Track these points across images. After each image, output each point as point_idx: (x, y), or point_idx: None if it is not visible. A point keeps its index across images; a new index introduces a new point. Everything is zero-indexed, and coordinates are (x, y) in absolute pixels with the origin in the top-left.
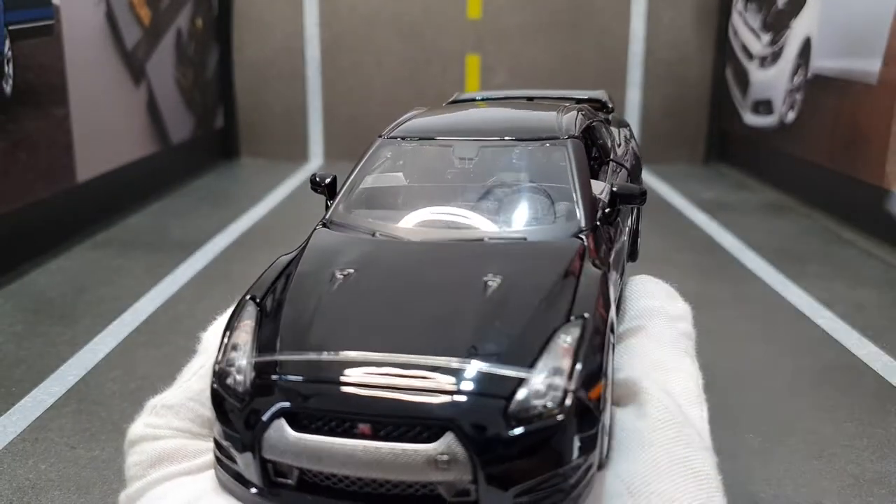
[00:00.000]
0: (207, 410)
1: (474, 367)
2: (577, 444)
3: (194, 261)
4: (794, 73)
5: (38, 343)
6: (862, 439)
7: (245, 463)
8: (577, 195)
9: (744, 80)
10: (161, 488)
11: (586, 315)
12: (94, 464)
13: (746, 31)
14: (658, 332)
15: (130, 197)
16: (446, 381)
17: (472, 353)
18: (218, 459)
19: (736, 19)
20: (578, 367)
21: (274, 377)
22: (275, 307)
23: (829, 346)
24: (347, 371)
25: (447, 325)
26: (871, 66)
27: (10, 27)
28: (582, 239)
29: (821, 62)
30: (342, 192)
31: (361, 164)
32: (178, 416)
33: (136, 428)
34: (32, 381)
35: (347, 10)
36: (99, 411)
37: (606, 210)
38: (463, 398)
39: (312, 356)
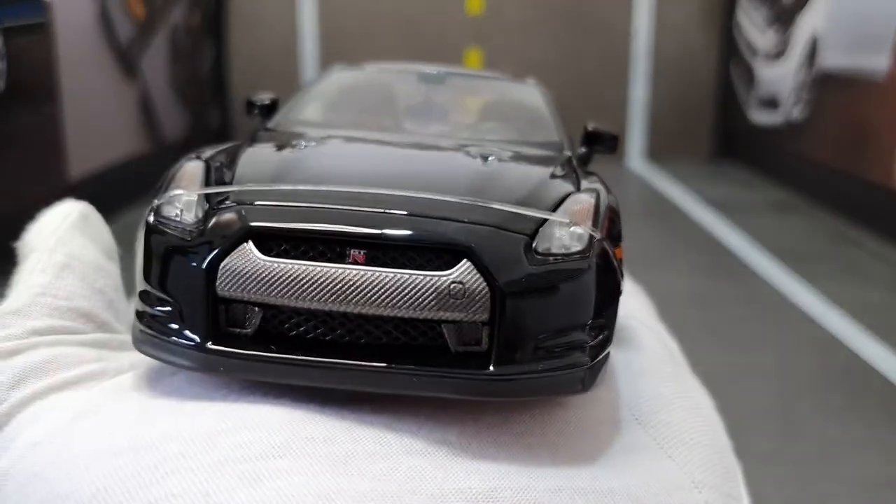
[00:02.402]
0: (65, 301)
1: (492, 204)
2: (601, 299)
3: None
4: (800, 70)
5: None
6: (870, 442)
7: (189, 310)
8: (553, 122)
9: (749, 78)
10: (33, 409)
11: (598, 187)
12: None
13: (752, 27)
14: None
15: (125, 195)
16: (462, 210)
17: (486, 195)
18: (141, 316)
19: (741, 16)
20: (601, 219)
21: (238, 201)
22: (226, 163)
23: (836, 347)
24: (338, 194)
25: (453, 177)
26: (879, 63)
27: (3, 25)
28: (569, 155)
29: (827, 59)
30: (290, 101)
31: (313, 84)
32: (32, 317)
33: None
34: None
35: (345, 5)
36: None
37: (582, 150)
38: (481, 227)
39: (290, 186)
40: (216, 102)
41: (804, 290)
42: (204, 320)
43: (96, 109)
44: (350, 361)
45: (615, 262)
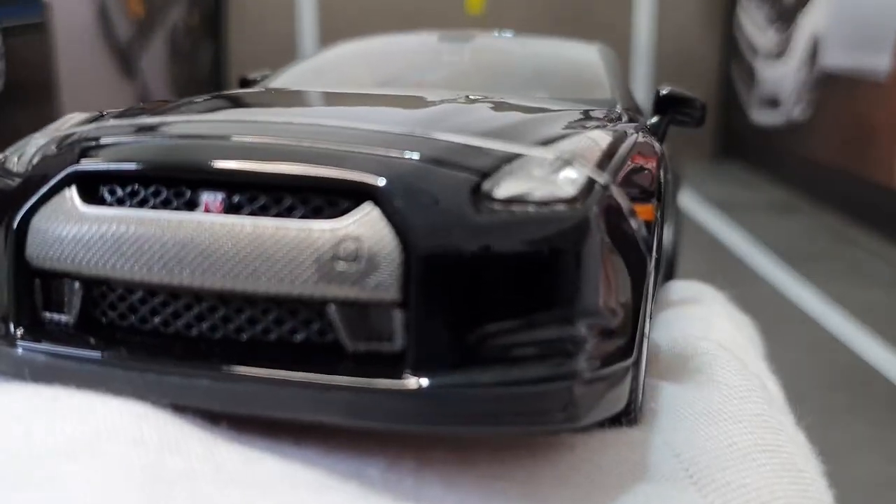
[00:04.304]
0: None
1: (433, 134)
2: (607, 275)
3: None
4: (801, 69)
5: None
6: (872, 443)
7: (1, 290)
8: (609, 81)
9: (750, 77)
10: None
11: (631, 132)
12: None
13: (753, 27)
14: (715, 302)
15: None
16: (378, 141)
17: (435, 126)
18: None
19: (742, 15)
20: (615, 161)
21: (78, 140)
22: (133, 113)
23: (837, 348)
24: (205, 125)
25: (401, 115)
26: (880, 62)
27: (1, 24)
28: (619, 111)
29: (828, 59)
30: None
31: (318, 52)
32: None
33: None
34: None
35: (344, 3)
36: None
37: (653, 119)
38: (398, 160)
39: (157, 118)
40: None
41: (805, 290)
42: (10, 303)
43: (95, 109)
44: (189, 368)
45: (634, 223)
